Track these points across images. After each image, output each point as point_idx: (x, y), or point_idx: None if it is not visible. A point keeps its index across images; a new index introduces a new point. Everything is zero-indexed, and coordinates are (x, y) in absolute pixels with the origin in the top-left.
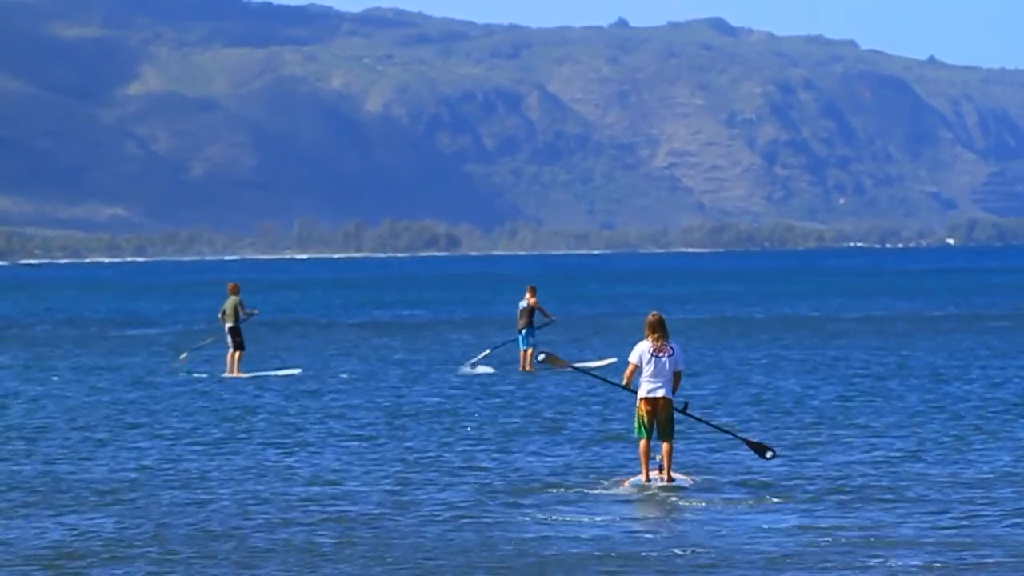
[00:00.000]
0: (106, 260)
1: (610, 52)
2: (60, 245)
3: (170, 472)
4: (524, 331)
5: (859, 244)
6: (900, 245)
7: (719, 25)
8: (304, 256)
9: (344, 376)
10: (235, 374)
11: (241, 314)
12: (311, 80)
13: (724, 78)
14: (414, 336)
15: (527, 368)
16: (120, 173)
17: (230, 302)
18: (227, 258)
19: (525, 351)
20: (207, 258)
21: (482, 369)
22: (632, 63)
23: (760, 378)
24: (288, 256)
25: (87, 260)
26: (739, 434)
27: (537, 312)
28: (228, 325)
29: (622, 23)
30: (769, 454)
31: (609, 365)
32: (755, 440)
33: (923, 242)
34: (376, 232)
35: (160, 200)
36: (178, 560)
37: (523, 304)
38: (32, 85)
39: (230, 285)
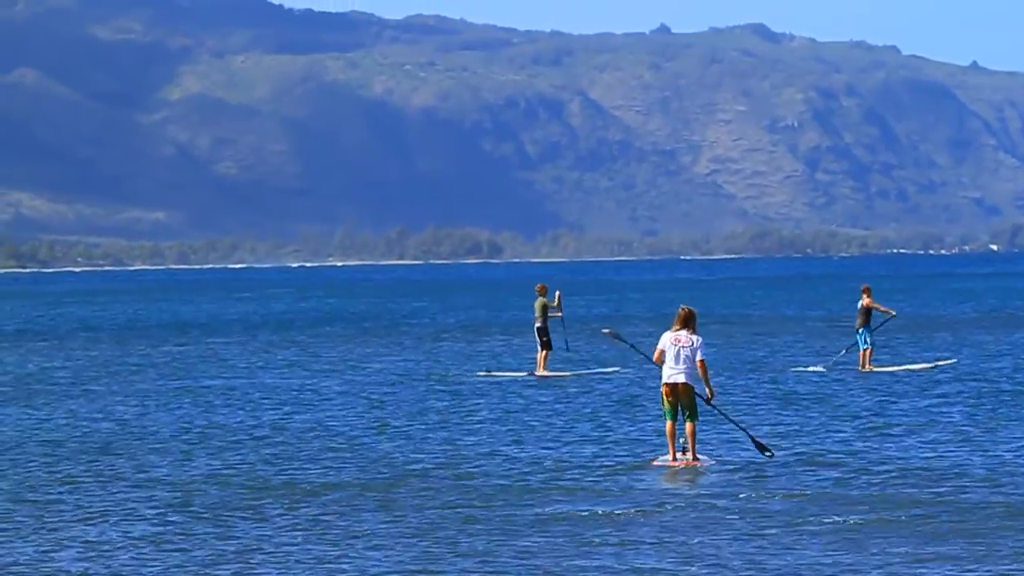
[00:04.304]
0: (150, 268)
1: (652, 58)
2: (103, 253)
3: None
4: (861, 330)
5: (902, 251)
6: (944, 252)
7: (761, 31)
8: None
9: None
10: (543, 373)
11: (550, 311)
12: (353, 87)
13: (766, 84)
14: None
15: (867, 367)
16: (162, 181)
17: (539, 302)
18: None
19: (864, 351)
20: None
21: (815, 368)
22: (674, 69)
23: None
24: (340, 264)
25: (133, 268)
26: (748, 431)
27: (874, 311)
28: (536, 325)
29: (664, 29)
30: (768, 453)
31: (948, 365)
32: (759, 439)
33: (966, 248)
34: (419, 239)
35: (202, 207)
36: None
37: (860, 304)
38: (76, 92)
39: (538, 286)
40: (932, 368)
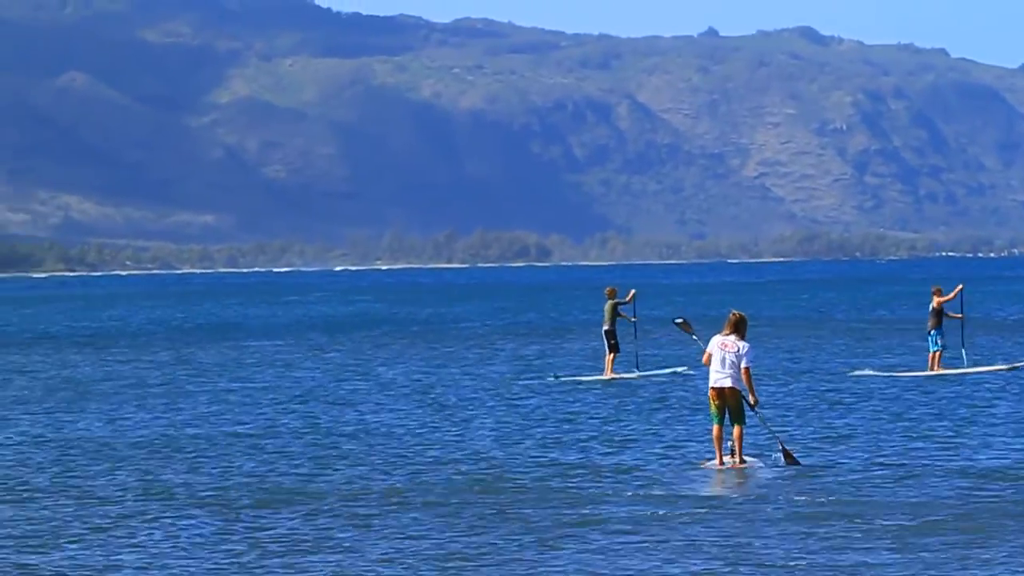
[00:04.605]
0: (199, 271)
1: (700, 61)
2: (152, 257)
3: None
4: (932, 332)
5: (950, 253)
6: (992, 254)
7: (809, 34)
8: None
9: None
10: (609, 375)
11: (626, 313)
12: (401, 90)
13: (814, 87)
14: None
15: (936, 370)
16: (211, 184)
17: (607, 305)
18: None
19: (934, 353)
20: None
21: (871, 372)
22: (722, 72)
23: None
24: (385, 267)
25: (182, 271)
26: (782, 440)
27: (945, 305)
28: (604, 328)
29: (712, 32)
30: (792, 464)
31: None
32: (790, 450)
33: (1015, 251)
34: (467, 242)
35: (250, 210)
36: None
37: (932, 305)
38: (124, 95)
39: (607, 289)
40: (1008, 370)
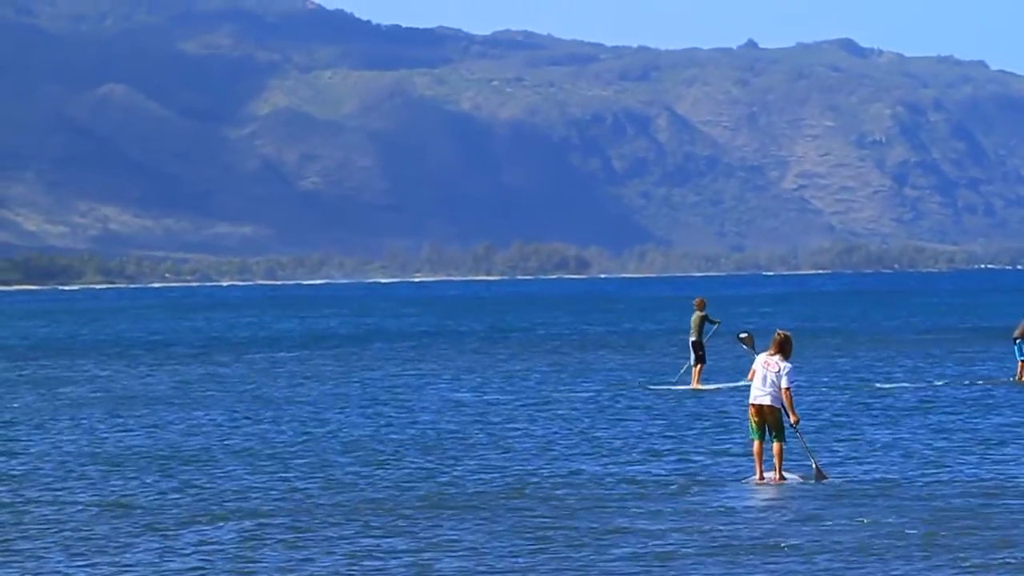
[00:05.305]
0: (233, 283)
1: (739, 74)
2: (191, 269)
3: None
4: (1019, 341)
5: (990, 266)
6: None
7: (848, 46)
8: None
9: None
10: (697, 386)
11: (706, 331)
12: (440, 102)
13: (853, 99)
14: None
15: (1023, 379)
16: (249, 195)
17: (695, 316)
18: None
19: (1022, 363)
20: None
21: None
22: (761, 84)
23: None
24: (419, 279)
25: (217, 283)
26: (816, 458)
27: None
28: (691, 339)
29: (751, 44)
30: (824, 480)
31: None
32: (821, 466)
33: None
34: (506, 255)
35: (289, 222)
36: None
37: None
38: (163, 107)
39: (696, 300)
40: None
